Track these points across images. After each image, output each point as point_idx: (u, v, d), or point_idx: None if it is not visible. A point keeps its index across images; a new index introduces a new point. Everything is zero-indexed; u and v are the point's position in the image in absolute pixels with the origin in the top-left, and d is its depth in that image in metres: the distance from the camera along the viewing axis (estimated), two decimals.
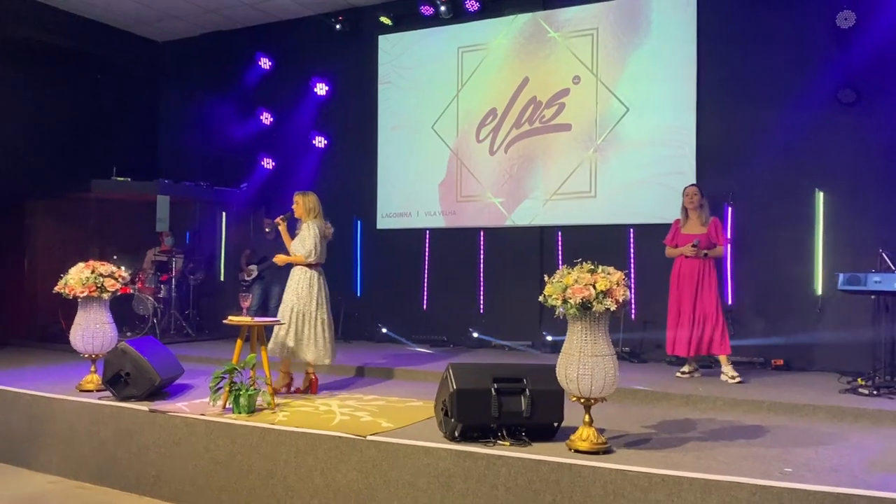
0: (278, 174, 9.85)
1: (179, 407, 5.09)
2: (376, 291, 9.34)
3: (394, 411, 5.05)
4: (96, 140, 10.03)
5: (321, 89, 9.62)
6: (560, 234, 8.28)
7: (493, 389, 4.12)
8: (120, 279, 5.91)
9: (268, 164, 9.97)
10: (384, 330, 9.04)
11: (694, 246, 6.21)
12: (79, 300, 5.79)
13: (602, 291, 3.78)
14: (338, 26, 9.38)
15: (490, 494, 3.84)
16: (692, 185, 6.59)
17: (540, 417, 4.15)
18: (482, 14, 8.74)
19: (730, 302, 7.16)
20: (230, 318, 5.43)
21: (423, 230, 9.10)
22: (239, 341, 5.35)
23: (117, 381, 5.32)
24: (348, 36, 9.44)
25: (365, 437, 4.25)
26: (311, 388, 5.84)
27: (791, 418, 5.02)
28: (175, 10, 9.72)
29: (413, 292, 9.05)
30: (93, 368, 5.80)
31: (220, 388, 4.94)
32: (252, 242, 9.36)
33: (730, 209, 7.26)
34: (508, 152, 8.60)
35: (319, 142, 9.65)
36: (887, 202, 6.66)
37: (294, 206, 6.03)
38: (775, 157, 7.14)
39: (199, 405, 5.15)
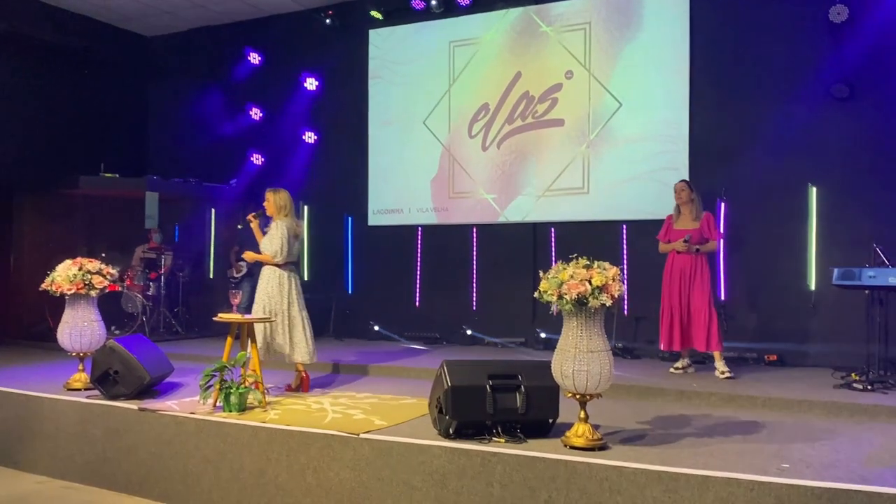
0: (268, 170, 9.76)
1: (169, 405, 5.02)
2: (368, 289, 9.28)
3: (387, 409, 5.01)
4: (84, 136, 9.92)
5: (311, 84, 9.54)
6: (553, 230, 8.24)
7: (487, 386, 4.08)
8: (108, 276, 5.83)
9: (257, 159, 9.88)
10: (376, 328, 8.97)
11: (685, 241, 6.20)
12: (66, 298, 5.71)
13: (598, 287, 3.75)
14: (328, 21, 9.30)
15: (485, 492, 3.79)
16: (681, 180, 6.57)
17: (535, 414, 4.12)
18: (474, 8, 8.67)
19: (723, 297, 7.15)
20: (220, 315, 5.37)
21: (415, 227, 9.04)
22: (229, 339, 5.29)
23: (106, 379, 5.25)
24: (338, 30, 9.36)
25: (358, 434, 4.20)
26: (302, 386, 5.77)
27: (786, 414, 5.01)
28: (163, 4, 9.61)
29: (405, 290, 8.99)
30: (81, 367, 5.73)
31: (210, 386, 4.88)
32: (241, 239, 9.27)
33: (723, 204, 7.24)
34: (501, 148, 8.55)
35: (309, 137, 9.57)
36: (880, 197, 6.66)
37: (265, 204, 5.92)
38: (768, 153, 7.13)
39: (189, 404, 5.09)
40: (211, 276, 10.13)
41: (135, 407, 4.97)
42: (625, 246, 7.79)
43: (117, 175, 9.29)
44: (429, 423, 4.34)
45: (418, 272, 9.00)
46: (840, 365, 6.29)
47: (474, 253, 8.70)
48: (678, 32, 7.60)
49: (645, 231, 7.64)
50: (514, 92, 8.49)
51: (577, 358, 3.80)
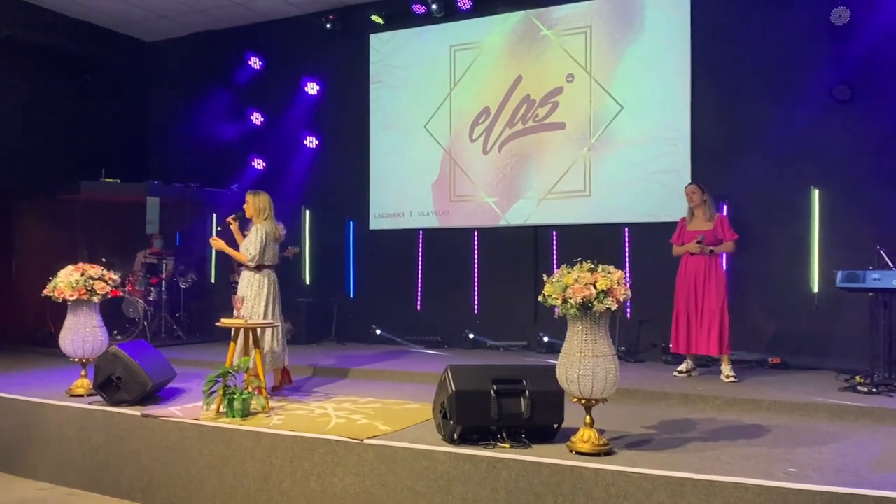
0: (269, 175, 9.75)
1: (172, 411, 5.00)
2: (369, 293, 9.26)
3: (390, 414, 4.98)
4: (85, 141, 9.92)
5: (312, 89, 9.54)
6: (555, 233, 8.23)
7: (492, 391, 4.06)
8: (110, 282, 5.81)
9: (258, 164, 9.87)
10: (378, 332, 8.96)
11: (698, 243, 6.16)
12: (68, 303, 5.69)
13: (603, 291, 3.73)
14: (328, 25, 9.30)
15: (491, 498, 3.77)
16: (691, 183, 6.54)
17: (540, 419, 4.10)
18: (475, 12, 8.68)
19: None
20: (223, 320, 5.35)
21: (416, 230, 9.04)
22: (232, 344, 5.27)
23: (108, 385, 5.22)
24: (339, 35, 9.37)
25: (362, 440, 4.18)
26: (284, 382, 5.86)
27: (791, 417, 4.99)
28: (163, 9, 9.61)
29: (407, 293, 8.98)
30: (83, 373, 5.71)
31: (213, 391, 4.86)
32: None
33: (725, 207, 7.22)
34: (502, 151, 8.54)
35: (311, 142, 9.57)
36: (883, 199, 6.65)
37: (245, 206, 5.93)
38: (770, 155, 7.12)
39: (192, 409, 5.07)
40: (213, 280, 10.11)
41: (137, 413, 4.95)
42: (627, 248, 7.77)
43: (118, 180, 9.28)
44: (433, 429, 4.32)
45: (420, 276, 8.99)
46: (844, 368, 6.28)
47: (476, 256, 8.69)
48: (679, 35, 7.60)
49: (647, 234, 7.65)
50: (515, 95, 8.49)
51: (583, 362, 3.79)
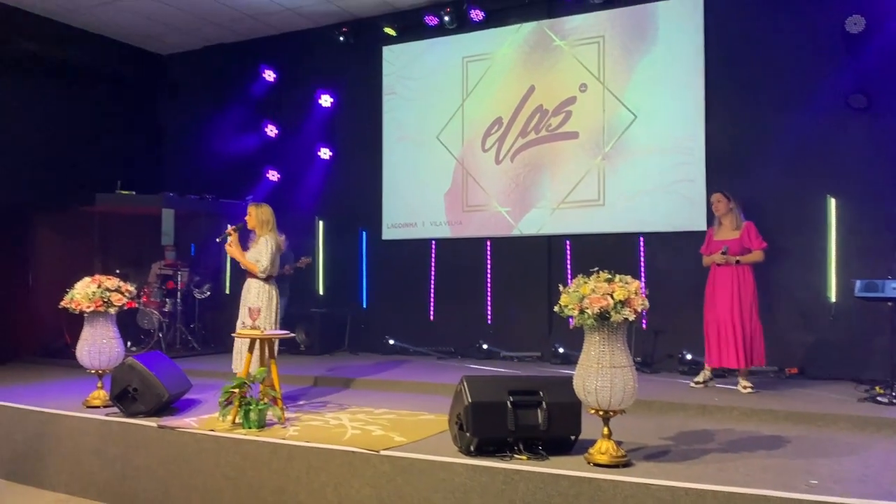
0: (283, 186, 9.80)
1: (188, 422, 5.01)
2: (382, 303, 9.27)
3: (406, 425, 4.97)
4: (100, 153, 9.99)
5: (326, 101, 9.59)
6: (568, 242, 8.21)
7: (508, 402, 4.04)
8: (126, 293, 5.85)
9: (273, 176, 9.92)
10: (391, 342, 8.96)
11: (723, 253, 6.09)
12: (85, 315, 5.73)
13: (620, 301, 3.71)
14: (342, 38, 9.36)
15: None
16: (716, 191, 6.38)
17: (557, 430, 4.08)
18: (487, 24, 8.70)
19: None
20: (239, 331, 5.37)
21: (428, 240, 9.04)
22: (248, 355, 5.29)
23: (125, 396, 5.25)
24: (353, 47, 9.42)
25: (378, 451, 4.17)
26: None
27: (810, 428, 4.93)
28: (178, 22, 9.70)
29: (420, 303, 8.98)
30: (99, 384, 5.74)
31: (229, 402, 4.86)
32: None
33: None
34: (515, 161, 8.55)
35: (324, 153, 9.61)
36: None
37: (247, 218, 5.96)
38: (786, 164, 7.08)
39: (208, 420, 5.08)
40: (227, 291, 10.14)
41: (154, 424, 4.97)
42: (642, 258, 7.74)
43: (134, 192, 9.35)
44: (449, 440, 4.31)
45: (432, 286, 8.98)
46: (863, 378, 6.22)
47: (488, 266, 8.68)
48: (693, 44, 7.58)
49: (662, 243, 7.62)
50: (527, 105, 8.49)
51: (600, 373, 3.76)
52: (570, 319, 3.86)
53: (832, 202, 6.94)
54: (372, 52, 9.41)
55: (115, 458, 5.03)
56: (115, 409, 5.33)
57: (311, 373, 7.16)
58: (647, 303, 3.80)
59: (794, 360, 6.84)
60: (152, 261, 9.45)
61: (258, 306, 5.50)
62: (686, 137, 7.58)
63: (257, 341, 5.34)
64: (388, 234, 9.30)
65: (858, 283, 5.72)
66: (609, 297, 3.71)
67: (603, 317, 3.72)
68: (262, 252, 5.78)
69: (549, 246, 8.34)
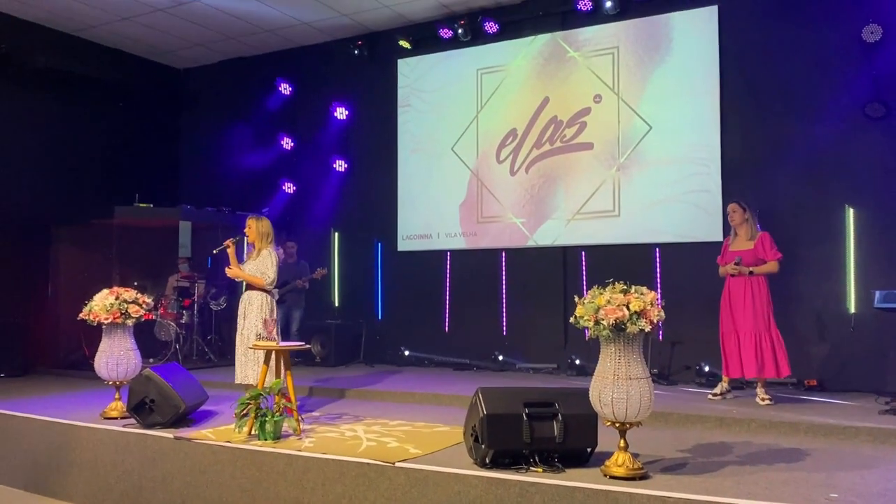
0: (299, 198, 9.88)
1: (205, 434, 5.03)
2: (398, 314, 9.29)
3: (421, 437, 4.96)
4: (118, 167, 10.13)
5: (341, 114, 9.66)
6: (584, 253, 8.19)
7: (524, 414, 4.02)
8: (144, 305, 5.89)
9: (289, 188, 10.00)
10: (406, 353, 8.96)
11: (736, 264, 6.06)
12: (103, 327, 5.78)
13: (636, 312, 3.69)
14: (357, 51, 9.44)
15: None
16: (732, 202, 6.36)
17: (573, 443, 4.05)
18: (501, 36, 8.75)
19: None
20: (255, 342, 5.39)
21: (443, 252, 9.06)
22: (264, 366, 5.31)
23: (142, 408, 5.27)
24: (367, 60, 9.50)
25: (393, 463, 4.16)
26: None
27: (830, 441, 4.87)
28: (195, 37, 9.83)
29: (435, 315, 8.98)
30: (117, 395, 5.77)
31: (245, 414, 4.87)
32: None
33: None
34: (529, 172, 8.55)
35: (340, 165, 9.67)
36: None
37: (246, 231, 6.02)
38: (802, 174, 7.04)
39: (224, 432, 5.09)
40: None
41: (170, 436, 4.99)
42: (658, 269, 7.70)
43: (152, 205, 9.45)
44: (464, 452, 4.29)
45: (447, 297, 8.99)
46: (884, 390, 6.13)
47: (503, 277, 8.67)
48: (707, 55, 7.57)
49: (678, 254, 7.58)
50: (542, 117, 8.51)
51: (617, 385, 3.74)
52: (586, 331, 3.84)
53: (850, 212, 6.88)
54: (387, 64, 9.48)
55: (132, 469, 5.05)
56: (133, 421, 5.35)
57: (326, 384, 7.18)
58: (662, 314, 3.78)
59: (813, 372, 6.76)
60: (169, 273, 9.53)
61: (273, 318, 5.53)
62: (701, 147, 7.56)
63: (273, 353, 5.36)
64: (403, 245, 9.32)
65: (878, 294, 5.66)
66: (625, 309, 3.69)
67: (619, 328, 3.70)
68: (266, 265, 5.84)
69: (564, 257, 8.33)
